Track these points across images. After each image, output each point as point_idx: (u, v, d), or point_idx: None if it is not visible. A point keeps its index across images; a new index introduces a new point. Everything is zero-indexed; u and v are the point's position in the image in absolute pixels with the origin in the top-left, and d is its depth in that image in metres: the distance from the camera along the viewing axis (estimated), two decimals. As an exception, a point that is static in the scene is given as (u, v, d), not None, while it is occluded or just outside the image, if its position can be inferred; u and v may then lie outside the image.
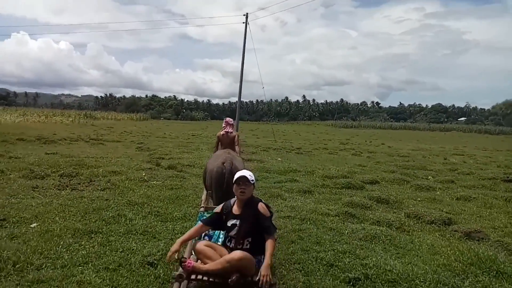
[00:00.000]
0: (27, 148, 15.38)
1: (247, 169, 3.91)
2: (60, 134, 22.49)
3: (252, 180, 3.47)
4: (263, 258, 3.21)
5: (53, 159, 11.46)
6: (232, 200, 3.59)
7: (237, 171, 3.72)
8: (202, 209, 4.71)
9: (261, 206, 3.42)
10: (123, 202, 6.57)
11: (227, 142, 7.22)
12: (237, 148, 7.29)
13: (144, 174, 9.11)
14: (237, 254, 3.13)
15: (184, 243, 3.40)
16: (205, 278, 3.14)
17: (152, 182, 8.55)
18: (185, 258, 3.23)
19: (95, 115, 57.04)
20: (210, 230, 3.79)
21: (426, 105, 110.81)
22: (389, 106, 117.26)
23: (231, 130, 7.30)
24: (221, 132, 7.25)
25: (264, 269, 3.06)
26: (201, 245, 3.38)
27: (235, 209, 3.49)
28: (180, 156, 14.19)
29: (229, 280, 3.03)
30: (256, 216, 3.36)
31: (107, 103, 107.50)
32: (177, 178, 9.24)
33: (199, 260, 3.35)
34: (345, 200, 7.60)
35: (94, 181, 8.24)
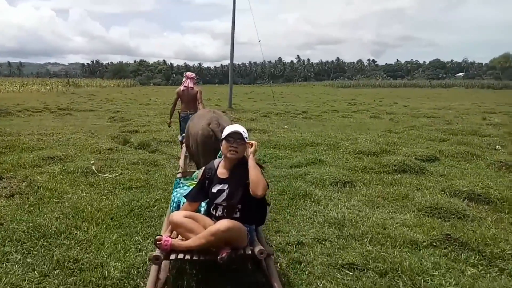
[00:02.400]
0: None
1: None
2: (26, 105, 19.07)
3: (247, 138, 2.67)
4: (255, 227, 2.70)
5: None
6: (217, 161, 2.82)
7: None
8: (179, 175, 3.90)
9: None
10: (7, 234, 3.36)
11: (188, 99, 6.59)
12: (200, 106, 6.52)
13: (92, 161, 5.88)
14: (223, 223, 2.39)
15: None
16: (187, 256, 2.41)
17: (102, 175, 5.39)
18: (160, 235, 2.51)
19: (79, 82, 52.92)
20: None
21: (424, 61, 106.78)
22: (386, 63, 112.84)
23: (192, 85, 6.50)
24: (181, 88, 6.49)
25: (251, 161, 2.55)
26: (179, 216, 2.58)
27: (221, 172, 2.72)
28: (159, 128, 10.92)
29: (218, 257, 2.35)
30: (247, 178, 2.52)
31: (94, 70, 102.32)
32: (144, 166, 6.09)
33: (179, 236, 2.62)
34: (417, 200, 4.52)
35: (4, 179, 5.01)
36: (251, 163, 2.54)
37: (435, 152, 7.23)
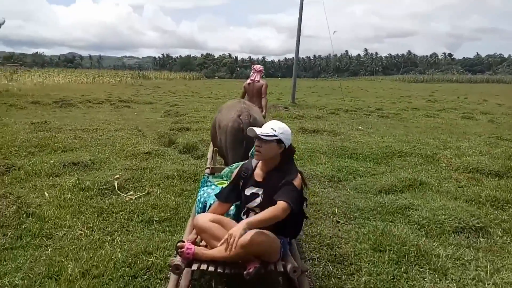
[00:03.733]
0: (27, 114, 11.69)
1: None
2: (91, 96, 18.96)
3: (273, 136, 2.20)
4: (289, 240, 2.33)
5: (19, 133, 7.33)
6: (255, 161, 2.42)
7: (256, 125, 3.04)
8: (207, 170, 3.50)
9: (298, 178, 2.23)
10: None
11: (253, 93, 6.21)
12: (263, 101, 6.18)
13: (117, 176, 4.47)
14: (256, 235, 2.02)
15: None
16: (211, 268, 2.07)
17: (123, 196, 3.96)
18: (183, 241, 2.16)
19: (148, 75, 54.35)
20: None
21: (509, 55, 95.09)
22: (463, 57, 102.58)
23: (258, 79, 6.15)
24: (247, 81, 6.19)
25: (236, 228, 1.96)
26: (205, 219, 2.24)
27: (258, 174, 2.36)
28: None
29: (245, 272, 1.99)
30: (284, 185, 2.19)
31: (164, 63, 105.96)
32: (180, 181, 4.59)
33: (203, 241, 2.29)
34: None
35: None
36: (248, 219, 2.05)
37: None
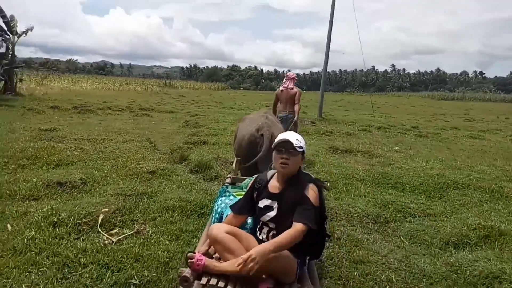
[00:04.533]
0: (42, 119, 11.10)
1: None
2: (113, 103, 18.47)
3: (301, 148, 2.10)
4: (309, 260, 2.17)
5: (18, 141, 6.54)
6: (270, 173, 2.27)
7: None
8: (228, 180, 3.28)
9: (311, 189, 2.04)
10: None
11: (287, 100, 6.18)
12: (296, 107, 6.13)
13: (105, 210, 3.44)
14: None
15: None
16: (221, 283, 1.87)
17: (106, 236, 2.96)
18: (193, 252, 1.98)
19: (174, 84, 54.39)
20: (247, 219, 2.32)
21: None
22: (495, 76, 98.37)
23: (292, 86, 6.12)
24: (280, 88, 6.19)
25: (259, 252, 1.78)
26: (220, 230, 2.07)
27: (273, 186, 2.18)
28: (231, 138, 8.50)
29: None
30: (300, 200, 2.00)
31: (191, 73, 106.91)
32: (181, 215, 3.57)
33: (216, 254, 2.14)
34: None
35: None
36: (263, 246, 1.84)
37: None
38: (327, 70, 17.46)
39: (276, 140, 2.16)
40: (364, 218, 3.78)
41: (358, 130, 11.82)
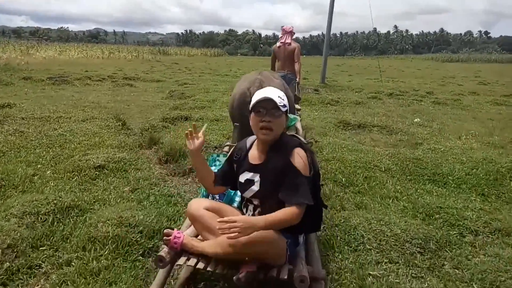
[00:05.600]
0: (7, 92, 9.63)
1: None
2: (94, 72, 16.84)
3: (284, 106, 1.74)
4: (302, 238, 1.87)
5: None
6: (250, 140, 1.93)
7: None
8: (226, 148, 3.04)
9: (297, 154, 1.72)
10: None
11: (285, 57, 5.54)
12: (296, 66, 5.51)
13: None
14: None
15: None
16: (200, 265, 1.68)
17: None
18: (171, 228, 1.79)
19: (168, 51, 51.85)
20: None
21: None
22: (501, 35, 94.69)
23: (289, 41, 5.45)
24: (277, 44, 5.51)
25: (247, 220, 1.58)
26: (199, 206, 1.83)
27: (253, 155, 1.85)
28: (222, 113, 7.02)
29: (234, 277, 1.58)
30: (286, 170, 1.70)
31: (187, 39, 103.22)
32: (118, 253, 2.17)
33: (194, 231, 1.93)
34: None
35: None
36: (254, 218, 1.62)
37: None
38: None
39: (253, 99, 1.76)
40: (407, 245, 2.42)
41: (367, 98, 10.33)
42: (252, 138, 1.92)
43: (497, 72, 29.37)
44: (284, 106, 1.74)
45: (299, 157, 1.70)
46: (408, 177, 3.77)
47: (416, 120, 7.18)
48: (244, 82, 3.28)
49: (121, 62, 27.69)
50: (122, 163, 3.78)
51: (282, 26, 5.70)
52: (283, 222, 1.61)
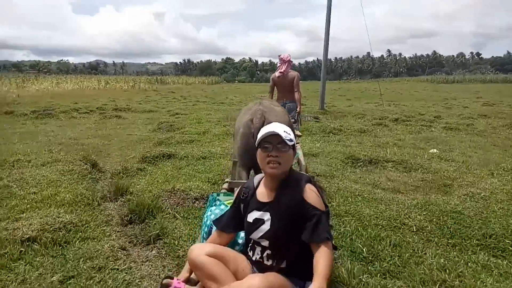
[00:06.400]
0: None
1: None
2: (84, 104, 16.08)
3: (291, 140, 1.66)
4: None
5: None
6: (258, 178, 1.83)
7: None
8: (225, 185, 2.79)
9: (310, 190, 1.63)
10: None
11: (284, 86, 5.35)
12: (297, 95, 5.33)
13: None
14: (257, 280, 1.45)
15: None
16: None
17: None
18: (170, 278, 1.63)
19: (166, 80, 51.62)
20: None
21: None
22: (492, 56, 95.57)
23: (289, 70, 5.20)
24: (276, 73, 5.29)
25: None
26: (201, 252, 1.65)
27: (262, 193, 1.73)
28: (211, 149, 6.06)
29: None
30: (299, 207, 1.58)
31: (185, 68, 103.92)
32: None
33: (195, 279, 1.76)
34: None
35: None
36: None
37: None
38: (321, 59, 15.03)
39: (259, 134, 1.68)
40: None
41: (371, 125, 9.42)
42: (259, 176, 1.82)
43: (496, 92, 28.76)
44: (291, 140, 1.65)
45: (312, 193, 1.61)
46: (449, 241, 2.76)
47: (432, 151, 6.23)
48: (246, 115, 3.05)
49: (116, 93, 27.03)
50: (63, 232, 2.77)
51: (280, 55, 5.43)
52: (331, 267, 1.47)
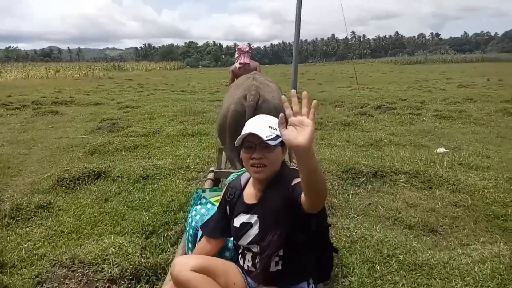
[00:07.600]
0: None
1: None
2: (22, 96, 13.89)
3: (277, 137, 1.32)
4: (310, 285, 1.45)
5: None
6: (245, 176, 1.56)
7: (268, 110, 2.08)
8: (210, 175, 2.58)
9: (298, 179, 1.30)
10: None
11: None
12: None
13: None
14: None
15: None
16: None
17: None
18: None
19: (124, 66, 48.32)
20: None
21: (496, 32, 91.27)
22: (450, 37, 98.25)
23: (248, 61, 4.68)
24: (236, 65, 4.68)
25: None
26: (185, 268, 1.36)
27: (249, 194, 1.49)
28: (158, 162, 4.47)
29: None
30: (288, 199, 1.30)
31: (147, 54, 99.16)
32: None
33: None
34: None
35: None
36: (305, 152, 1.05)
37: None
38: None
39: (243, 131, 1.40)
40: None
41: (354, 115, 8.13)
42: (247, 174, 1.54)
43: (461, 72, 28.70)
44: (277, 137, 1.32)
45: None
46: None
47: (440, 150, 4.98)
48: (238, 90, 2.71)
49: (66, 82, 24.32)
50: None
51: (238, 46, 5.08)
52: (322, 175, 1.12)
